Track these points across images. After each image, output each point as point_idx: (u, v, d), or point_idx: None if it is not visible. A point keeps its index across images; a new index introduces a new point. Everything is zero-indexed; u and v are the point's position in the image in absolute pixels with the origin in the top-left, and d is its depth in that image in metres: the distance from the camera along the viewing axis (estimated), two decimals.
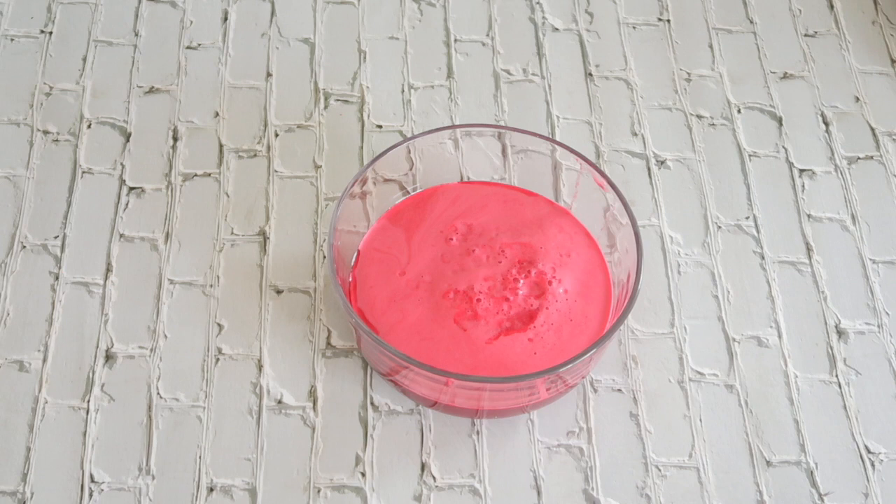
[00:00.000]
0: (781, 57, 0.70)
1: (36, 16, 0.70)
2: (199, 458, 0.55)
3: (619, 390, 0.57)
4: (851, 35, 0.71)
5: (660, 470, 0.55)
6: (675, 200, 0.64)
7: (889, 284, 0.61)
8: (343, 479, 0.54)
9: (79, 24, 0.70)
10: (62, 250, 0.61)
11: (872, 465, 0.55)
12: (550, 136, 0.65)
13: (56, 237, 0.61)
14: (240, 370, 0.57)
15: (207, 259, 0.61)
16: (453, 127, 0.59)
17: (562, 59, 0.70)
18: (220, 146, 0.65)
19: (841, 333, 0.59)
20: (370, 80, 0.68)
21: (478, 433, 0.56)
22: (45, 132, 0.65)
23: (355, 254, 0.58)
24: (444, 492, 0.54)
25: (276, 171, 0.64)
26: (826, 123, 0.67)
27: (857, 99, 0.68)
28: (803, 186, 0.65)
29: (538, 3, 0.72)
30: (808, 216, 0.64)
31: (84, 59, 0.69)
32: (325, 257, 0.61)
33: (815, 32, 0.71)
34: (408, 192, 0.61)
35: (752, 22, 0.72)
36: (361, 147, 0.65)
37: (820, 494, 0.54)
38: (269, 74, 0.68)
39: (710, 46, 0.71)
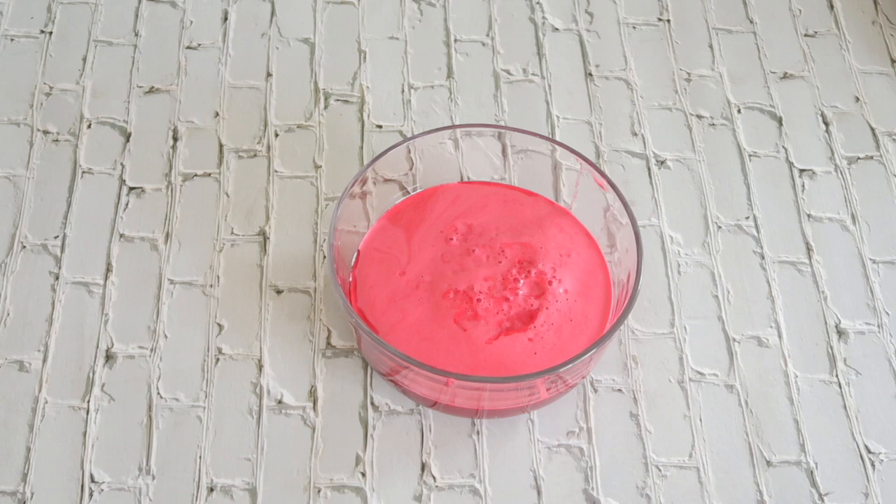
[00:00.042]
0: (781, 57, 0.70)
1: (36, 16, 0.70)
2: (199, 458, 0.55)
3: (619, 390, 0.57)
4: (851, 35, 0.71)
5: (660, 470, 0.55)
6: (675, 200, 0.64)
7: (889, 284, 0.61)
8: (343, 479, 0.54)
9: (79, 24, 0.70)
10: (62, 250, 0.61)
11: (872, 465, 0.55)
12: (550, 136, 0.65)
13: (56, 237, 0.61)
14: (240, 370, 0.57)
15: (207, 259, 0.61)
16: (453, 127, 0.59)
17: (562, 59, 0.70)
18: (220, 146, 0.65)
19: (841, 333, 0.59)
20: (370, 80, 0.68)
21: (478, 433, 0.56)
22: (45, 132, 0.65)
23: (355, 254, 0.58)
24: (444, 492, 0.54)
25: (276, 171, 0.64)
26: (826, 123, 0.67)
27: (857, 99, 0.68)
28: (803, 186, 0.65)
29: (538, 3, 0.72)
30: (808, 216, 0.64)
31: (84, 59, 0.69)
32: (325, 257, 0.61)
33: (815, 32, 0.71)
34: (408, 192, 0.61)
35: (752, 22, 0.72)
36: (361, 147, 0.65)
37: (820, 494, 0.55)
38: (269, 74, 0.68)
39: (710, 46, 0.71)
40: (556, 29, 0.71)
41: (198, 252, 0.61)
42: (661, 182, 0.65)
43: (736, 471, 0.55)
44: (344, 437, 0.55)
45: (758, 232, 0.63)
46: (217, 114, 0.66)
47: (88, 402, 0.56)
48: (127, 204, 0.63)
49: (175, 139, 0.65)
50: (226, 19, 0.71)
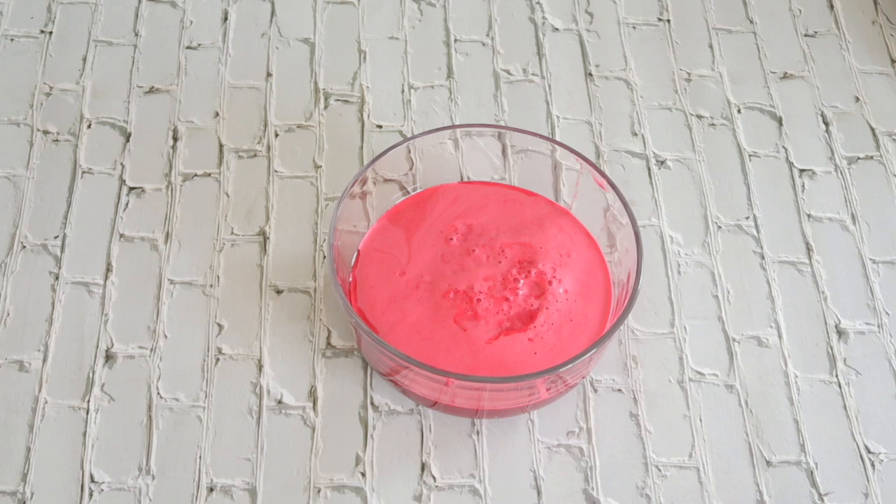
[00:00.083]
0: (781, 57, 0.70)
1: (36, 16, 0.70)
2: (199, 458, 0.55)
3: (619, 390, 0.57)
4: (851, 35, 0.71)
5: (660, 470, 0.55)
6: (675, 200, 0.64)
7: (889, 284, 0.61)
8: (343, 479, 0.54)
9: (79, 24, 0.70)
10: (62, 250, 0.61)
11: (872, 465, 0.55)
12: (550, 136, 0.65)
13: (56, 237, 0.61)
14: (240, 370, 0.57)
15: (207, 259, 0.61)
16: (453, 127, 0.59)
17: (562, 59, 0.70)
18: (220, 146, 0.65)
19: (841, 333, 0.59)
20: (370, 80, 0.68)
21: (478, 433, 0.56)
22: (45, 132, 0.65)
23: (355, 254, 0.58)
24: (444, 492, 0.54)
25: (276, 171, 0.64)
26: (826, 123, 0.67)
27: (857, 99, 0.68)
28: (803, 186, 0.65)
29: (538, 3, 0.72)
30: (808, 216, 0.64)
31: (84, 59, 0.69)
32: (325, 257, 0.61)
33: (815, 32, 0.71)
34: (408, 192, 0.61)
35: (752, 22, 0.72)
36: (361, 147, 0.65)
37: (820, 494, 0.55)
38: (269, 74, 0.68)
39: (710, 46, 0.71)
40: (556, 29, 0.71)
41: (198, 252, 0.61)
42: (661, 182, 0.65)
43: (736, 471, 0.55)
44: (344, 437, 0.55)
45: (758, 232, 0.63)
46: (217, 114, 0.66)
47: (88, 402, 0.56)
48: (127, 204, 0.63)
49: (175, 139, 0.65)
50: (226, 19, 0.71)
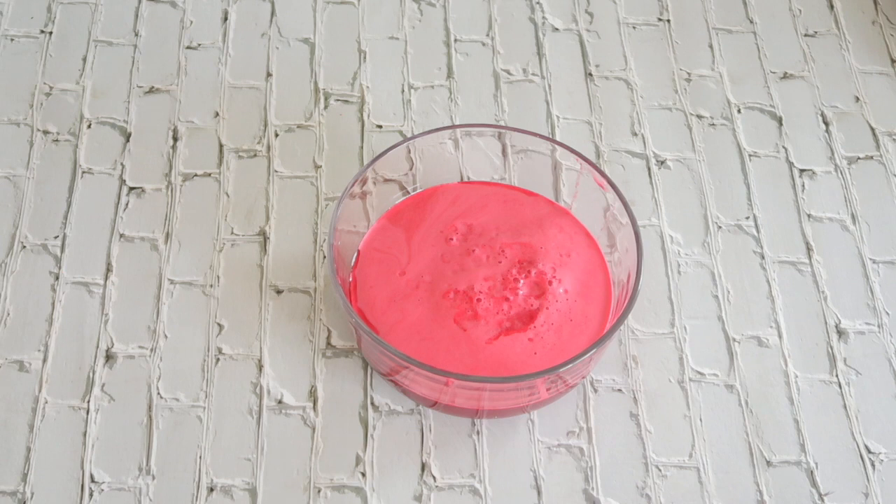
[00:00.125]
0: (781, 57, 0.70)
1: (36, 16, 0.70)
2: (199, 458, 0.55)
3: (619, 390, 0.57)
4: (851, 35, 0.71)
5: (660, 470, 0.55)
6: (675, 200, 0.64)
7: (889, 284, 0.61)
8: (343, 479, 0.54)
9: (79, 24, 0.70)
10: (62, 250, 0.61)
11: (872, 465, 0.55)
12: (550, 136, 0.65)
13: (56, 237, 0.61)
14: (240, 370, 0.57)
15: (207, 259, 0.61)
16: (453, 127, 0.59)
17: (562, 59, 0.70)
18: (220, 146, 0.65)
19: (841, 333, 0.59)
20: (370, 80, 0.68)
21: (478, 433, 0.56)
22: (45, 132, 0.65)
23: (355, 254, 0.58)
24: (445, 492, 0.54)
25: (276, 171, 0.64)
26: (826, 123, 0.67)
27: (857, 99, 0.68)
28: (803, 186, 0.65)
29: (538, 3, 0.72)
30: (808, 216, 0.64)
31: (84, 59, 0.69)
32: (325, 257, 0.61)
33: (815, 32, 0.71)
34: (408, 192, 0.61)
35: (752, 22, 0.72)
36: (361, 147, 0.65)
37: (820, 494, 0.55)
38: (269, 74, 0.68)
39: (710, 46, 0.71)
40: (556, 29, 0.71)
41: (198, 252, 0.61)
42: (661, 182, 0.65)
43: (736, 471, 0.55)
44: (344, 437, 0.55)
45: (758, 232, 0.63)
46: (217, 114, 0.66)
47: (88, 402, 0.56)
48: (127, 204, 0.63)
49: (175, 139, 0.65)
50: (226, 19, 0.71)
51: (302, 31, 0.70)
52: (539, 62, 0.69)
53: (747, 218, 0.63)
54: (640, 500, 0.54)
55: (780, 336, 0.59)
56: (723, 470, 0.55)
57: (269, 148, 0.65)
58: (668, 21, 0.72)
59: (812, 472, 0.55)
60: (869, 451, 0.56)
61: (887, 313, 0.60)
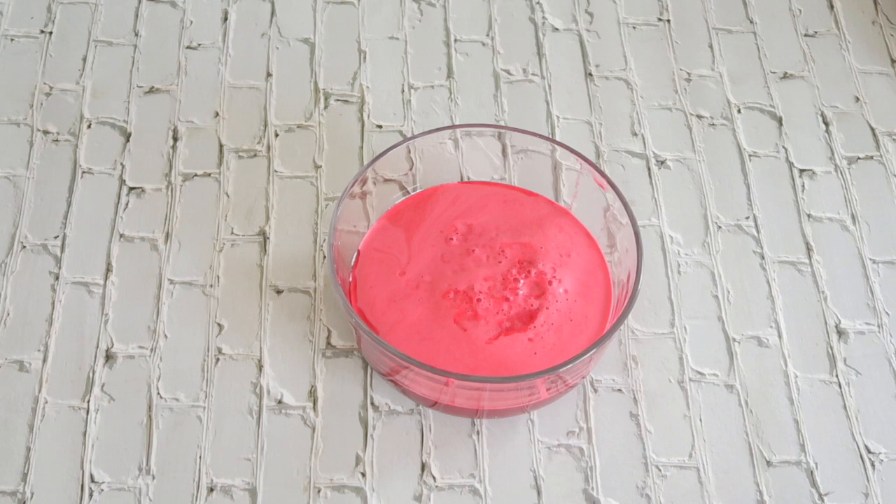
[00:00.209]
0: (781, 57, 0.70)
1: (36, 16, 0.70)
2: (199, 458, 0.55)
3: (619, 390, 0.57)
4: (851, 35, 0.71)
5: (660, 470, 0.55)
6: (675, 200, 0.64)
7: (889, 284, 0.61)
8: (343, 479, 0.54)
9: (79, 24, 0.70)
10: (62, 250, 0.61)
11: (872, 465, 0.55)
12: (550, 136, 0.65)
13: (56, 237, 0.61)
14: (240, 370, 0.57)
15: (207, 259, 0.61)
16: (453, 127, 0.59)
17: (562, 59, 0.70)
18: (220, 146, 0.65)
19: (841, 333, 0.59)
20: (370, 80, 0.68)
21: (478, 433, 0.56)
22: (45, 132, 0.65)
23: (355, 254, 0.58)
24: (444, 492, 0.54)
25: (276, 171, 0.64)
26: (826, 123, 0.67)
27: (857, 99, 0.68)
28: (803, 186, 0.65)
29: (538, 3, 0.72)
30: (808, 216, 0.64)
31: (84, 59, 0.69)
32: (325, 257, 0.61)
33: (815, 32, 0.71)
34: (408, 192, 0.61)
35: (752, 22, 0.72)
36: (361, 147, 0.65)
37: (820, 494, 0.55)
38: (269, 74, 0.68)
39: (710, 46, 0.71)
40: (556, 29, 0.71)
41: (198, 252, 0.61)
42: (661, 182, 0.65)
43: (736, 471, 0.55)
44: (344, 437, 0.55)
45: (758, 232, 0.63)
46: (217, 114, 0.66)
47: (88, 402, 0.56)
48: (127, 204, 0.63)
49: (175, 139, 0.65)
50: (226, 19, 0.71)
51: (302, 31, 0.70)
52: (539, 62, 0.69)
53: (747, 218, 0.63)
54: (640, 500, 0.54)
55: (780, 336, 0.59)
56: (723, 470, 0.55)
57: (269, 148, 0.65)
58: (668, 21, 0.72)
59: (812, 472, 0.55)
60: (869, 451, 0.56)
61: (887, 313, 0.60)
